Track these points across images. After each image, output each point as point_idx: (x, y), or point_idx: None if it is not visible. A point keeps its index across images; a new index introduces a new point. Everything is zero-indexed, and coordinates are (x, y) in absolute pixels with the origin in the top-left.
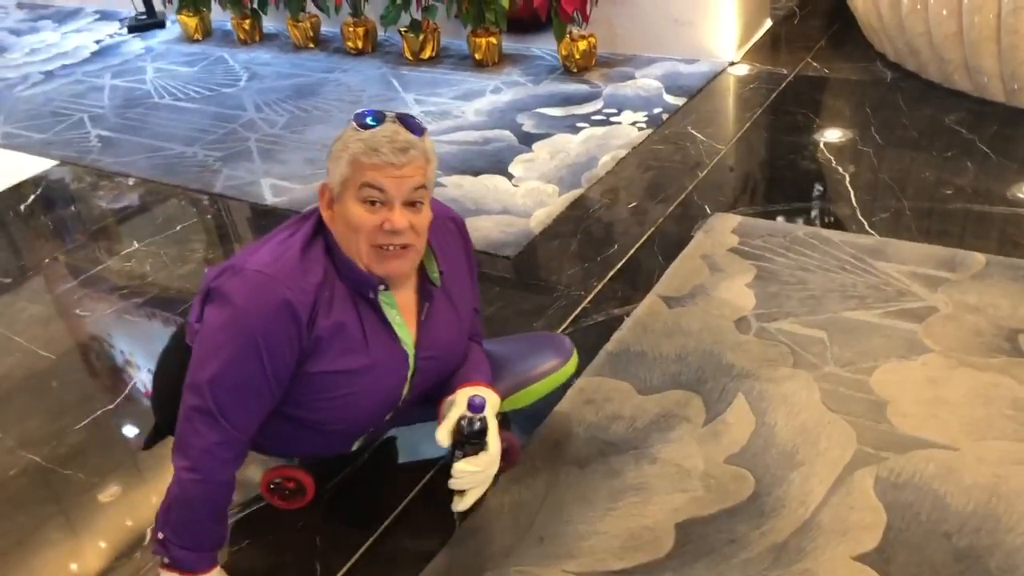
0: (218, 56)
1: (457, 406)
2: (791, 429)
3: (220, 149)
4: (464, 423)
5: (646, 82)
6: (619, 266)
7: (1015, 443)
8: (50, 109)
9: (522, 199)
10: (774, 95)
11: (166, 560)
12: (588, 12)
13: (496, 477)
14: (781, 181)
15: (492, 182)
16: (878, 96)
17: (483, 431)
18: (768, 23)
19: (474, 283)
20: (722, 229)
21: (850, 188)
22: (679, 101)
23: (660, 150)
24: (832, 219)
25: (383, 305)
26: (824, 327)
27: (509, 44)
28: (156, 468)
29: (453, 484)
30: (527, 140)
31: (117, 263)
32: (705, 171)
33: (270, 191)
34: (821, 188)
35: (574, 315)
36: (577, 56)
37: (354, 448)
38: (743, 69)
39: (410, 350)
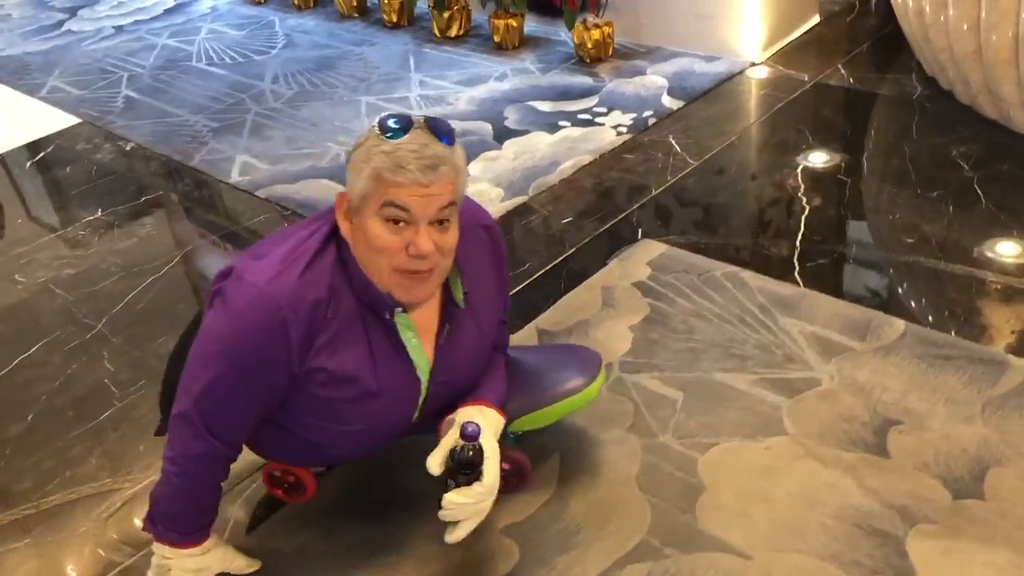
0: (269, 20)
1: (451, 432)
2: (585, 504)
3: (219, 120)
4: (456, 451)
5: (652, 80)
6: (519, 288)
7: (816, 560)
8: (100, 66)
9: None
10: (780, 105)
11: (155, 534)
12: (597, 0)
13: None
14: (733, 209)
15: None
16: (893, 116)
17: (476, 461)
18: (815, 19)
19: (504, 295)
20: (639, 259)
21: (802, 225)
22: (676, 104)
23: (627, 160)
24: (763, 260)
25: (399, 327)
26: (684, 387)
27: (536, 27)
28: None
29: (443, 516)
30: (502, 136)
31: (74, 231)
32: (660, 189)
33: (238, 169)
34: (769, 222)
35: None
36: (589, 46)
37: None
38: (763, 72)
39: (424, 376)
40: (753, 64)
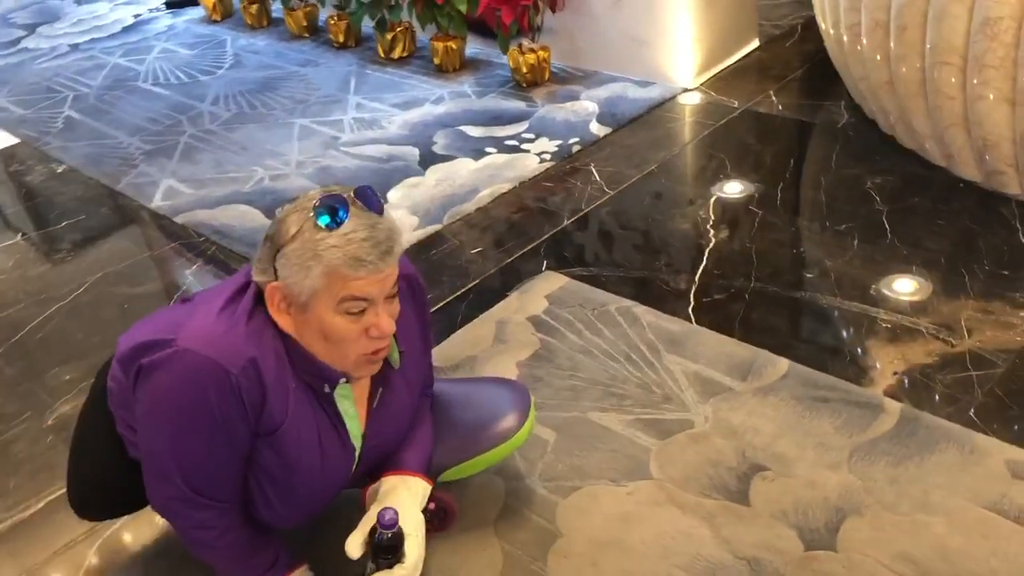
0: (221, 40)
1: (371, 511)
2: (440, 549)
3: (153, 142)
4: (375, 535)
5: (584, 105)
6: None
7: None
8: (48, 84)
9: None
10: (705, 133)
11: None
12: (530, 25)
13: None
14: (640, 240)
15: None
16: (816, 144)
17: (397, 545)
18: (754, 44)
19: (427, 339)
20: (538, 292)
21: (705, 258)
22: (603, 131)
23: (546, 188)
24: (661, 294)
25: (338, 399)
26: (559, 428)
27: (480, 49)
28: None
29: None
30: (427, 161)
31: None
32: (572, 219)
33: (162, 194)
34: (673, 255)
35: None
36: (524, 70)
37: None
38: (694, 98)
39: (358, 443)
40: (686, 90)
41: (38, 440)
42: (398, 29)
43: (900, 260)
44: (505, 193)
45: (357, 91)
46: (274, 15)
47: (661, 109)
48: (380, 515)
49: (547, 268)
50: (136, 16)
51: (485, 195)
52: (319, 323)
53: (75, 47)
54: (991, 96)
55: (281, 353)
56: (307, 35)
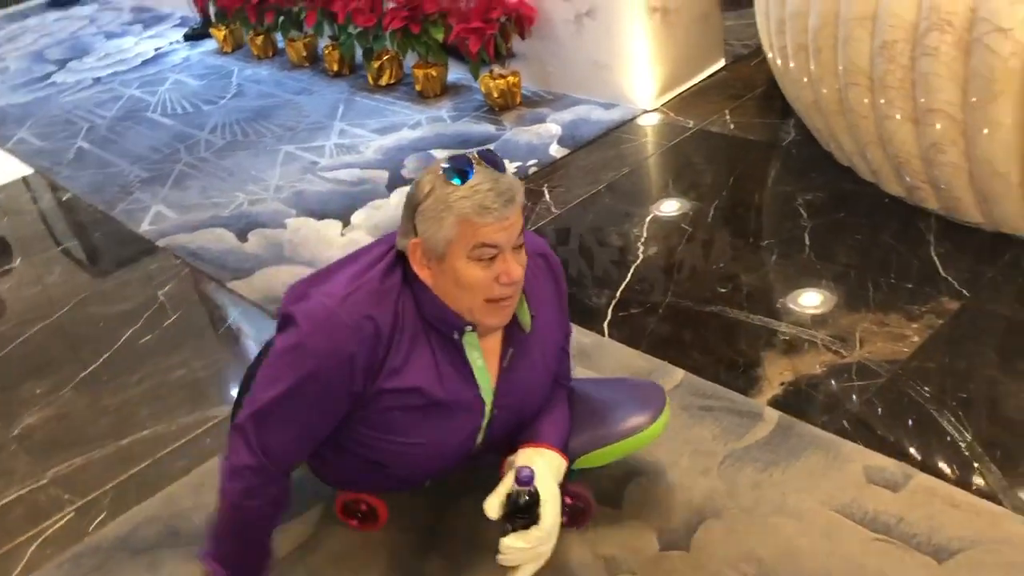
0: (228, 71)
1: (508, 475)
2: (330, 552)
3: (151, 170)
4: (512, 496)
5: (548, 128)
6: None
7: None
8: (68, 117)
9: (337, 250)
10: (656, 153)
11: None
12: (497, 52)
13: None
14: (575, 258)
15: (325, 229)
16: (758, 162)
17: (532, 505)
18: (719, 63)
19: (565, 323)
20: None
21: (629, 273)
22: (561, 153)
23: None
24: (582, 309)
25: (466, 347)
26: None
27: (462, 75)
28: None
29: (501, 560)
30: (395, 184)
31: None
32: None
33: (150, 219)
34: (602, 271)
35: None
36: (496, 95)
37: (426, 485)
38: (653, 119)
39: (488, 397)
40: (646, 111)
41: (2, 448)
42: (385, 58)
43: (812, 274)
44: None
45: (343, 118)
46: (280, 45)
47: (620, 130)
48: (518, 472)
49: None
50: (157, 49)
51: None
52: (454, 272)
53: (98, 80)
54: (897, 116)
55: (407, 305)
56: (307, 64)
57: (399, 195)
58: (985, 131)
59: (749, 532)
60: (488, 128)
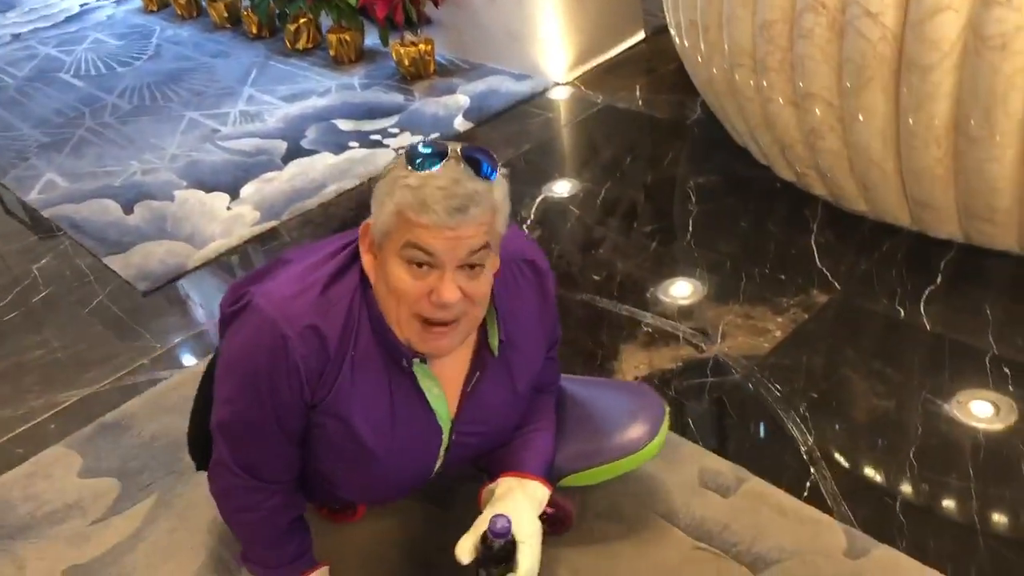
0: (150, 30)
1: (483, 517)
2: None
3: (52, 135)
4: (487, 542)
5: (457, 99)
6: (215, 320)
7: None
8: None
9: (219, 225)
10: (561, 129)
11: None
12: (407, 18)
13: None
14: None
15: (212, 202)
16: (659, 142)
17: (509, 554)
18: (639, 36)
19: (551, 333)
20: None
21: None
22: (465, 127)
23: None
24: None
25: (419, 376)
26: None
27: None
28: None
29: None
30: (291, 156)
31: None
32: None
33: (40, 187)
34: None
35: (128, 373)
36: (407, 63)
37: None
38: (564, 93)
39: (445, 425)
40: (557, 84)
41: None
42: (301, 20)
43: (689, 263)
44: (350, 189)
45: (254, 83)
46: (204, 4)
47: (529, 104)
48: (492, 522)
49: None
50: (83, 5)
51: (330, 191)
52: (385, 268)
53: (16, 37)
54: (780, 99)
55: (356, 323)
56: (228, 26)
57: (294, 168)
58: (860, 118)
59: (571, 537)
60: (397, 98)
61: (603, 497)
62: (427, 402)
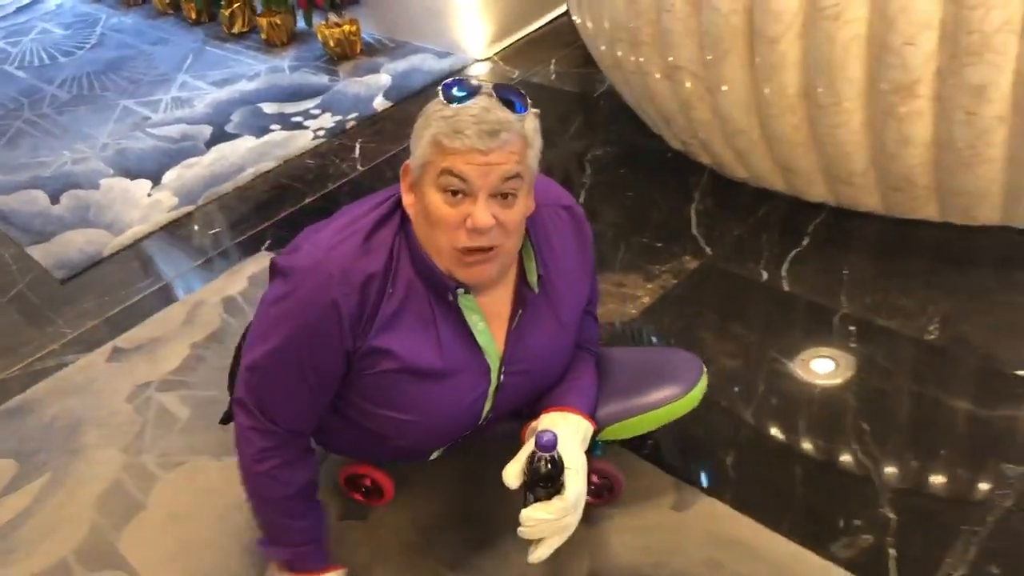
0: (96, 19)
1: (530, 441)
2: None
3: None
4: (533, 463)
5: (379, 79)
6: (126, 305)
7: None
8: None
9: (138, 211)
10: None
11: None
12: (326, 0)
13: (588, 514)
14: None
15: (135, 190)
16: (566, 115)
17: (555, 473)
18: (560, 9)
19: (590, 283)
20: (244, 272)
21: None
22: (384, 106)
23: (306, 167)
24: None
25: (464, 309)
26: (197, 405)
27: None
28: None
29: (523, 533)
30: (215, 140)
31: None
32: (312, 198)
33: None
34: None
35: (37, 359)
36: (332, 44)
37: (433, 457)
38: (482, 69)
39: (494, 363)
40: (477, 61)
41: None
42: (235, 5)
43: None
44: (267, 172)
45: (189, 69)
46: None
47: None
48: (538, 436)
49: (268, 248)
50: None
51: (248, 174)
52: (424, 201)
53: None
54: (656, 73)
55: (403, 257)
56: (170, 12)
57: (216, 152)
58: (724, 88)
59: None
60: (323, 79)
61: None
62: (474, 339)
